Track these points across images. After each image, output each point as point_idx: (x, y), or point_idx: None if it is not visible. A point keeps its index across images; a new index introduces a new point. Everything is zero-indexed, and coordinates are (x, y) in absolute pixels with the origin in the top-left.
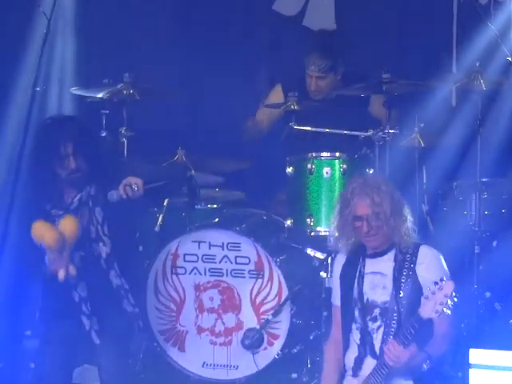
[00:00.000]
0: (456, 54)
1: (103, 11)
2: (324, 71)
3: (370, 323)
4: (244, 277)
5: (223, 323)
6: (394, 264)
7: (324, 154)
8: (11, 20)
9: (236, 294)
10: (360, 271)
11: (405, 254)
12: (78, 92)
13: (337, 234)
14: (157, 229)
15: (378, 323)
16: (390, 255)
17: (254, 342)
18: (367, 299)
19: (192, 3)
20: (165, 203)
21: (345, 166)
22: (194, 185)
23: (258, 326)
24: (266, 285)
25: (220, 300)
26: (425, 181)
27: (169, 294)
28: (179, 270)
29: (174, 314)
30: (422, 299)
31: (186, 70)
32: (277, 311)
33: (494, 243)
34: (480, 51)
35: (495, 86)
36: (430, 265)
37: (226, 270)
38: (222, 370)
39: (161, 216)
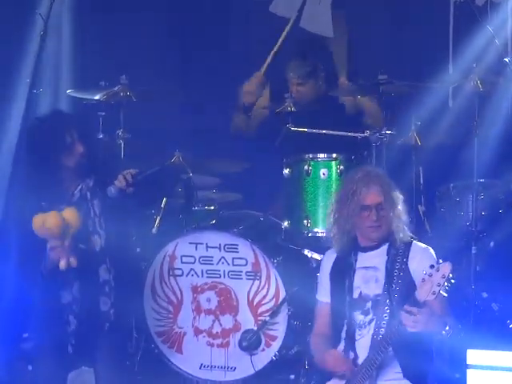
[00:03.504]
0: (453, 55)
1: (99, 13)
2: (303, 78)
3: (361, 317)
4: (241, 278)
5: (220, 325)
6: (386, 258)
7: (321, 155)
8: (8, 22)
9: (233, 296)
10: (352, 266)
11: (397, 248)
12: (75, 94)
13: (336, 229)
14: (154, 230)
15: (370, 316)
16: (383, 249)
17: (251, 343)
18: (360, 293)
19: (188, 6)
20: (162, 205)
21: (342, 167)
22: (191, 186)
23: (255, 328)
24: (264, 286)
25: (217, 301)
26: (422, 182)
27: (166, 296)
28: (176, 272)
29: (172, 316)
30: (419, 282)
31: (182, 72)
32: (274, 312)
33: (491, 244)
34: (477, 52)
35: (492, 86)
36: (422, 259)
37: (223, 272)
38: (220, 372)
39: (158, 218)
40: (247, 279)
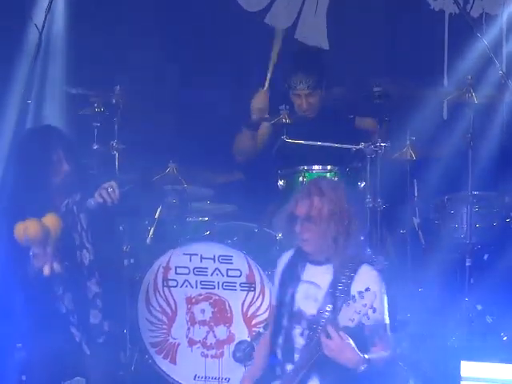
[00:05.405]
0: (447, 68)
1: (94, 24)
2: (313, 87)
3: (295, 330)
4: (235, 289)
5: (215, 336)
6: (331, 278)
7: (315, 167)
8: (2, 33)
9: (227, 307)
10: (298, 276)
11: (344, 268)
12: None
13: (280, 234)
14: (148, 241)
15: (303, 339)
16: (329, 267)
17: (245, 354)
18: (298, 308)
19: (183, 18)
20: (156, 216)
21: (336, 178)
22: (185, 198)
23: (249, 339)
24: (258, 297)
25: (211, 312)
26: (416, 194)
27: (160, 307)
28: (171, 283)
29: (166, 327)
30: (344, 305)
31: (177, 83)
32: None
33: (486, 256)
34: (471, 64)
35: (487, 99)
36: (366, 285)
37: (218, 283)
38: (214, 383)
39: (152, 229)
40: (241, 290)
